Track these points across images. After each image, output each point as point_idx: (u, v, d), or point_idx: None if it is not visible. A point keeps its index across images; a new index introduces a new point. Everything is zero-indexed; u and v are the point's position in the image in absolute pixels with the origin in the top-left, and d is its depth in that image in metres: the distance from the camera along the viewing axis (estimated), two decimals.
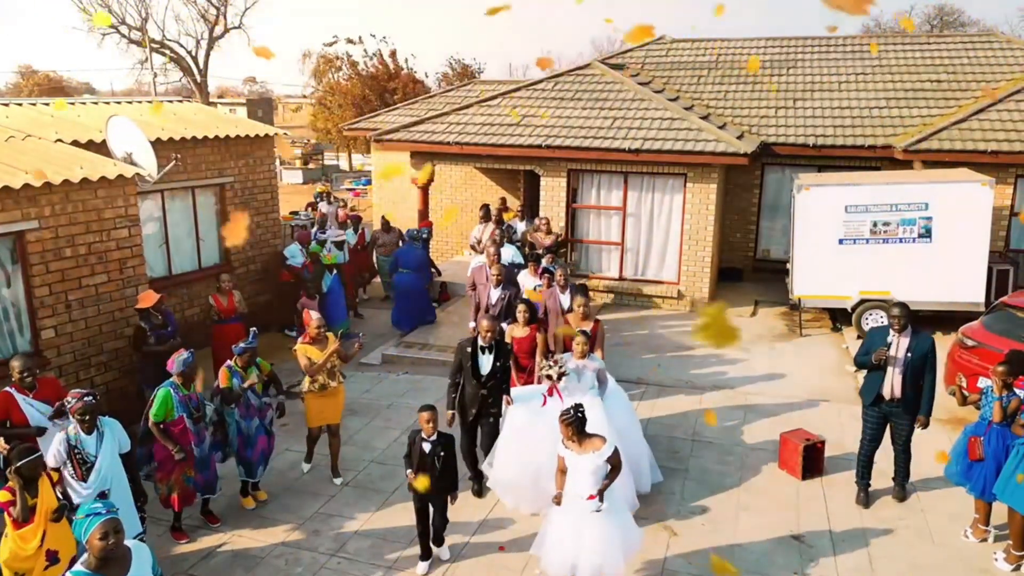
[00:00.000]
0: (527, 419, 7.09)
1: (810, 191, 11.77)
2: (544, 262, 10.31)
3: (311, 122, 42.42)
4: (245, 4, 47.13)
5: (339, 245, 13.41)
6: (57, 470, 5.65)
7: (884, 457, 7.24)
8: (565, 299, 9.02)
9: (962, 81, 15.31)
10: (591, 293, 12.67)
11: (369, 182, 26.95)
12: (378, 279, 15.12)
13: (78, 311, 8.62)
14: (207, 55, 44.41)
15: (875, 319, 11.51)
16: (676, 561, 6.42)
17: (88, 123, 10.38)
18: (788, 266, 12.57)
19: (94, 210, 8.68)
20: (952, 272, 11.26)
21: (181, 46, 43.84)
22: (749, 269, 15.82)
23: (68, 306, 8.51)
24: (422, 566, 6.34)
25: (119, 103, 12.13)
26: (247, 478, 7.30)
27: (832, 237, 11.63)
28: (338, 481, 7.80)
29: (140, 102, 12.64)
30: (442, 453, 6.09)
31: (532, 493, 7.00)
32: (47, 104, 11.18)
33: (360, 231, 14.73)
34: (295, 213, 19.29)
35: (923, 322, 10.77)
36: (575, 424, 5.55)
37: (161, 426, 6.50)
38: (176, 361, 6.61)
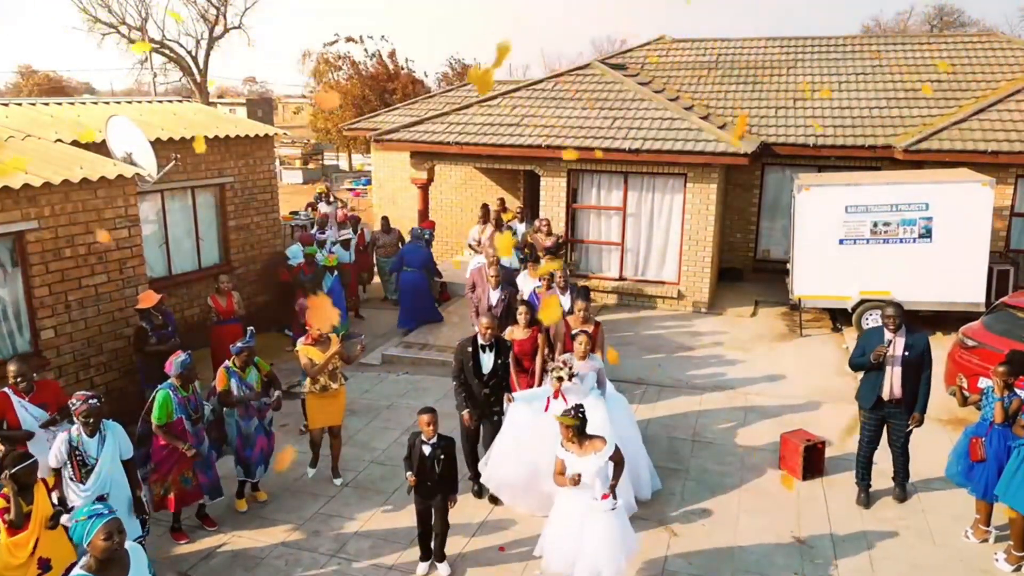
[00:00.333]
0: (528, 418, 7.07)
1: (810, 191, 11.76)
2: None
3: (311, 122, 42.39)
4: (245, 4, 47.07)
5: (345, 244, 13.39)
6: (56, 471, 5.64)
7: (884, 458, 7.23)
8: (565, 300, 8.99)
9: (962, 81, 15.32)
10: (591, 294, 12.66)
11: (369, 182, 26.92)
12: (378, 279, 15.12)
13: (78, 311, 8.61)
14: (207, 55, 44.42)
15: (875, 319, 11.48)
16: (676, 561, 6.41)
17: (88, 123, 10.37)
18: (788, 266, 12.57)
19: (94, 210, 8.68)
20: (952, 272, 11.26)
21: (181, 46, 43.88)
22: (749, 269, 15.83)
23: (68, 306, 8.51)
24: (422, 567, 6.33)
25: (119, 103, 12.13)
26: (245, 478, 7.30)
27: (832, 237, 11.62)
28: (338, 482, 7.80)
29: (140, 102, 12.64)
30: (442, 456, 6.07)
31: (529, 493, 6.99)
32: (47, 104, 11.17)
33: (360, 232, 14.72)
34: (295, 213, 19.25)
35: (923, 322, 10.77)
36: (575, 425, 5.54)
37: (163, 428, 6.48)
38: (174, 363, 6.60)
